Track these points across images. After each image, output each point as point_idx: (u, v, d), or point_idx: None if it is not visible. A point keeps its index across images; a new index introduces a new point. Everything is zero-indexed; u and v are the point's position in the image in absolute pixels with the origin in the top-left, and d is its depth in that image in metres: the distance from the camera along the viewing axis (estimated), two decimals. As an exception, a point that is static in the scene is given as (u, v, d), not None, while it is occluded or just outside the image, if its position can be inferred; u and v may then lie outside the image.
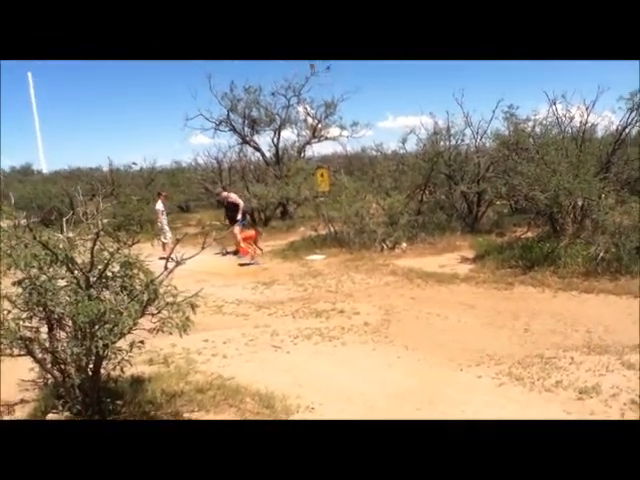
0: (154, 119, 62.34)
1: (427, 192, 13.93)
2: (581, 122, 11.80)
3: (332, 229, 12.58)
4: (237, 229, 11.81)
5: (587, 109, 11.75)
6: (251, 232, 11.79)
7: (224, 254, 12.20)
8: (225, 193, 12.85)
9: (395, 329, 6.30)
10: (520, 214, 12.99)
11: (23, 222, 4.55)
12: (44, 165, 38.63)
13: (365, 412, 4.22)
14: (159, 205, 12.57)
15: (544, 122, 11.89)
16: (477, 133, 13.47)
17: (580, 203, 9.19)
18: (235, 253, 12.00)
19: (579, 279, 7.75)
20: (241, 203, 12.40)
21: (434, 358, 5.32)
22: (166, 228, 12.39)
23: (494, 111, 12.97)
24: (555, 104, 11.72)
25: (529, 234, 10.51)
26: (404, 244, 11.39)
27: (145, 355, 5.19)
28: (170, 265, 4.10)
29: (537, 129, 12.04)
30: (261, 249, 11.55)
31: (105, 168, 23.26)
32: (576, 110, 11.89)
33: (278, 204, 17.18)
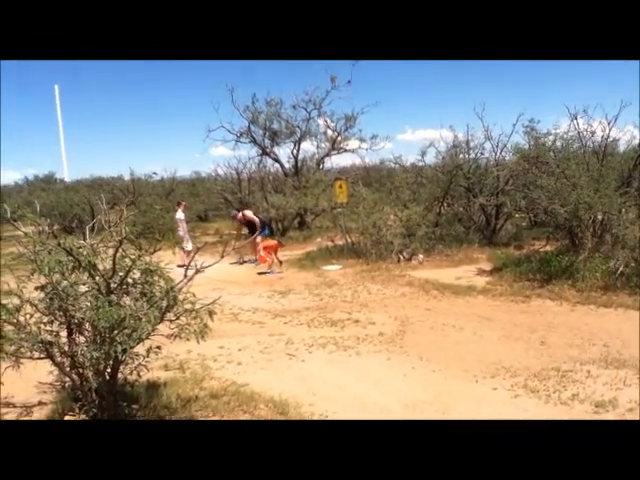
0: (175, 130, 63.16)
1: (445, 204, 13.91)
2: (602, 136, 11.75)
3: (349, 240, 12.62)
4: (259, 238, 11.93)
5: (609, 123, 11.71)
6: (273, 242, 11.86)
7: (241, 263, 12.32)
8: (239, 214, 12.96)
9: (410, 340, 6.30)
10: (539, 227, 12.90)
11: (47, 229, 4.68)
12: (66, 174, 39.24)
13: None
14: (180, 214, 12.74)
15: (565, 136, 11.84)
16: (497, 147, 13.49)
17: (600, 217, 9.12)
18: (252, 262, 12.11)
19: (597, 293, 7.69)
20: (256, 220, 12.53)
21: (449, 369, 5.31)
22: (187, 237, 12.55)
23: (514, 125, 12.96)
24: (576, 118, 11.68)
25: (547, 248, 10.44)
26: (421, 256, 11.38)
27: (161, 361, 5.27)
28: (190, 273, 4.18)
29: (558, 143, 11.97)
30: (280, 261, 11.63)
31: (126, 177, 23.64)
32: (598, 124, 11.84)
33: (296, 215, 17.28)
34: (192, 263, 4.24)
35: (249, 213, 12.81)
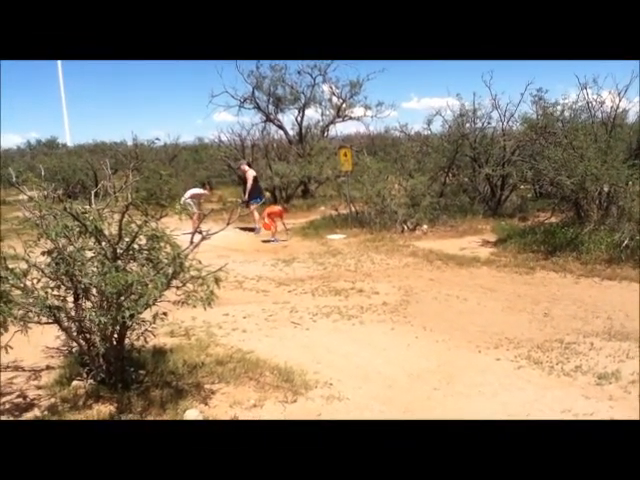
0: (177, 96, 62.47)
1: (450, 174, 13.81)
2: (612, 107, 11.56)
3: (353, 209, 12.57)
4: (253, 207, 11.88)
5: (619, 94, 11.51)
6: (277, 208, 11.81)
7: (244, 230, 12.30)
8: (245, 166, 12.84)
9: (414, 310, 6.32)
10: (544, 199, 12.81)
11: (52, 193, 4.65)
12: (69, 138, 38.99)
13: (383, 391, 4.28)
14: (196, 190, 12.63)
15: (574, 106, 11.68)
16: (504, 116, 13.27)
17: (606, 189, 9.05)
18: (252, 230, 12.09)
19: (602, 266, 7.67)
20: (250, 182, 12.39)
21: (453, 339, 5.34)
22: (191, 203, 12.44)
23: (522, 94, 12.75)
24: (586, 88, 11.49)
25: (552, 219, 10.38)
26: (425, 226, 11.35)
27: (167, 327, 5.32)
28: (196, 239, 4.17)
29: (566, 113, 11.81)
30: (287, 228, 11.60)
31: (129, 143, 23.44)
32: (607, 95, 11.65)
33: (300, 183, 17.16)
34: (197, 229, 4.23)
35: (251, 173, 12.64)
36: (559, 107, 11.98)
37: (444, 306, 6.47)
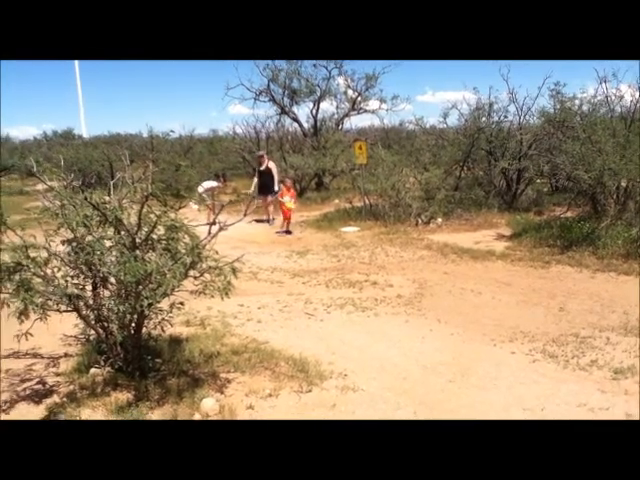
0: (192, 89, 62.64)
1: (466, 168, 13.73)
2: (631, 101, 11.43)
3: (367, 202, 12.56)
4: (270, 199, 11.91)
5: (639, 88, 11.36)
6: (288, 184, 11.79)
7: (258, 222, 12.34)
8: (265, 155, 12.86)
9: (428, 303, 6.32)
10: (560, 193, 12.72)
11: (72, 183, 4.70)
12: (84, 130, 39.26)
13: (398, 382, 4.30)
14: (211, 182, 12.66)
15: (592, 100, 11.56)
16: (521, 110, 13.18)
17: (624, 184, 8.96)
18: (266, 222, 12.13)
19: (618, 261, 7.61)
20: (274, 167, 12.43)
21: (467, 333, 5.34)
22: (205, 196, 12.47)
23: (540, 88, 12.65)
24: (605, 82, 11.36)
25: (568, 214, 10.30)
26: (440, 219, 11.32)
27: (182, 317, 5.37)
28: (213, 230, 4.21)
29: (584, 107, 11.70)
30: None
31: (144, 135, 23.56)
32: (627, 89, 11.50)
33: (314, 175, 17.18)
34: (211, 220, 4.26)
35: (273, 164, 12.68)
36: (577, 101, 11.88)
37: (459, 299, 6.46)
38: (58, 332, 5.03)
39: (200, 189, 11.80)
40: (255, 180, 12.74)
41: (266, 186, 12.34)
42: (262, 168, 12.60)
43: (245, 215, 4.45)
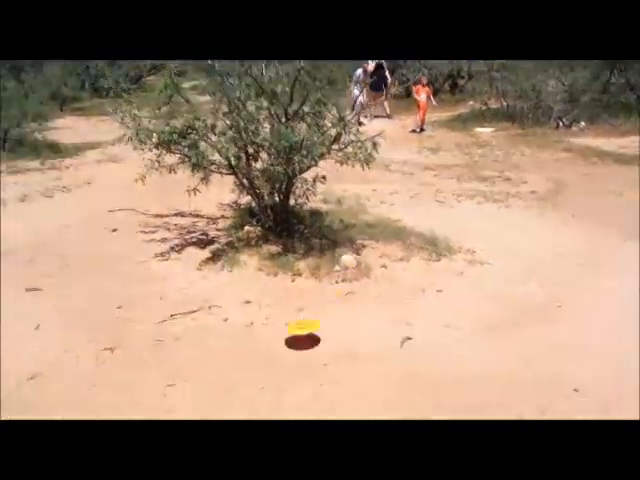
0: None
1: (618, 70, 12.51)
2: None
3: (504, 103, 12.03)
4: (381, 97, 11.65)
5: None
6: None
7: (376, 117, 12.11)
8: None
9: (564, 199, 6.22)
10: None
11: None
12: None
13: (526, 262, 4.45)
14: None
15: None
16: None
17: None
18: (383, 117, 11.91)
19: None
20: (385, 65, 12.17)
21: (602, 229, 5.24)
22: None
23: None
24: None
25: None
26: (583, 123, 10.64)
27: (320, 196, 5.79)
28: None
29: None
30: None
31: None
32: None
33: (447, 76, 16.52)
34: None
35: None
36: None
37: (597, 199, 6.27)
38: (214, 201, 5.70)
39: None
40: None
41: (378, 84, 12.07)
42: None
43: (387, 115, 4.63)
